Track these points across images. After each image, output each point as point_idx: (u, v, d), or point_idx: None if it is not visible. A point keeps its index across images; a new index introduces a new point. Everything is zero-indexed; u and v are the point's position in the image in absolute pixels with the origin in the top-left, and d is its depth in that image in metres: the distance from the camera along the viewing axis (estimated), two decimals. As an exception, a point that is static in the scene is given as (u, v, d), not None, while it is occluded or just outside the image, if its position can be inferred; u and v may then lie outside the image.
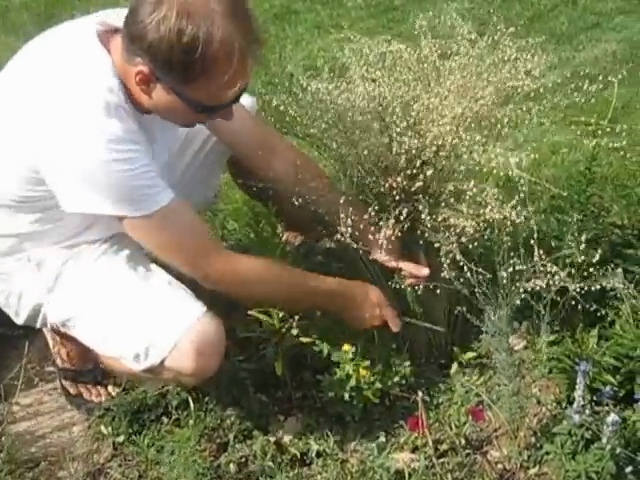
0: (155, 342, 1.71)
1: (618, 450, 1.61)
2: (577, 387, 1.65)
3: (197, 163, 2.01)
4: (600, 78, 1.79)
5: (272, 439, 1.89)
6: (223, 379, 1.95)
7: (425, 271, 1.89)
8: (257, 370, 2.00)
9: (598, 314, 1.93)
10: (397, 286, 1.92)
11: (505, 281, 1.71)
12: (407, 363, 1.92)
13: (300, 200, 1.83)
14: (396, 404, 1.94)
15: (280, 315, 1.81)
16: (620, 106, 3.03)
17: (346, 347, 1.81)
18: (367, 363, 1.83)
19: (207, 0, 1.49)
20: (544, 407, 1.93)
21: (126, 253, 1.81)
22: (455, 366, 2.03)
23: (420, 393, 1.76)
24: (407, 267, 1.92)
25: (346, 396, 1.82)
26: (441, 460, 1.81)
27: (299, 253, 2.21)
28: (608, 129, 1.95)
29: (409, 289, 1.94)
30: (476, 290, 1.72)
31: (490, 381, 2.03)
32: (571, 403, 1.87)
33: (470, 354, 2.05)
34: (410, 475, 1.67)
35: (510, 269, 1.70)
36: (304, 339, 1.86)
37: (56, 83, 1.60)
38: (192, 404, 1.90)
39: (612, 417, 1.58)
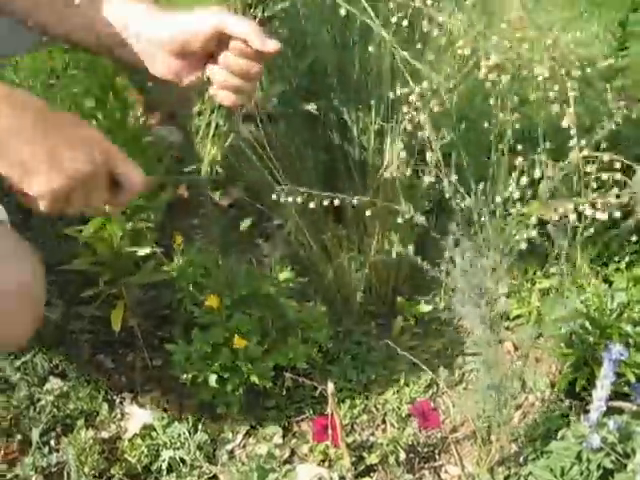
0: None
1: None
2: (599, 384, 0.95)
3: None
4: None
5: (104, 435, 1.19)
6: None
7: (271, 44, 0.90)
8: (99, 318, 1.34)
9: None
10: None
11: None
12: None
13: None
14: (301, 387, 1.23)
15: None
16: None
17: (212, 299, 1.08)
18: (248, 325, 1.11)
19: None
20: (533, 394, 1.25)
21: None
22: (399, 323, 1.34)
23: (330, 384, 1.01)
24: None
25: (212, 379, 1.10)
26: (366, 481, 1.13)
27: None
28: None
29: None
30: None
31: (456, 350, 1.34)
32: (575, 394, 1.19)
33: (424, 307, 1.34)
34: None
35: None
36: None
37: None
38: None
39: (658, 442, 0.90)
